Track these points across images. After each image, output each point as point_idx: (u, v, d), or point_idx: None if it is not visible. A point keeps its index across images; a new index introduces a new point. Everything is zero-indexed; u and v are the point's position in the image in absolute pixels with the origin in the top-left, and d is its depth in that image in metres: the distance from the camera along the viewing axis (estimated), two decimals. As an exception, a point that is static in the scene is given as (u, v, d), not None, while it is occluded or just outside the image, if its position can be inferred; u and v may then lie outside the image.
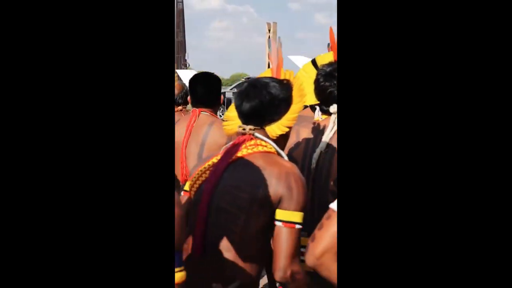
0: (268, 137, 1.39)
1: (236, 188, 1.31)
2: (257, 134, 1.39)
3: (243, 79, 16.73)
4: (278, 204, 1.28)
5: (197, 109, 2.35)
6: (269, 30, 8.95)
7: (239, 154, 1.37)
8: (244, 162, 1.35)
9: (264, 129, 1.39)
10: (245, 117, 1.41)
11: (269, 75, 1.54)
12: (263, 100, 1.36)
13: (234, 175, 1.33)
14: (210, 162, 1.43)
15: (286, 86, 1.40)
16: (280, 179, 1.28)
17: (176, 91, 2.86)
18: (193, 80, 2.40)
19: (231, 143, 1.43)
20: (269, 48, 1.54)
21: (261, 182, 1.29)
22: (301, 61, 6.75)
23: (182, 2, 8.05)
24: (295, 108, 1.38)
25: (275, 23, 8.30)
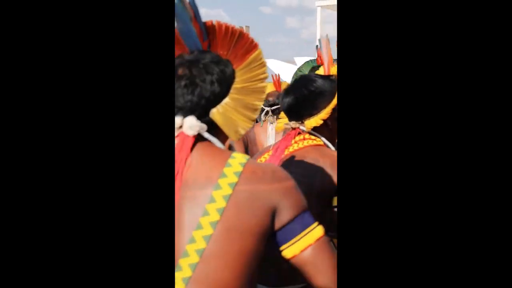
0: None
1: None
2: (302, 128, 1.41)
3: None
4: (334, 192, 1.33)
5: None
6: None
7: (290, 149, 1.40)
8: (297, 156, 1.38)
9: (304, 123, 1.41)
10: (286, 113, 1.45)
11: (322, 72, 1.61)
12: (298, 96, 1.39)
13: (289, 169, 1.32)
14: (262, 159, 1.45)
15: (330, 81, 1.42)
16: (334, 169, 1.30)
17: None
18: None
19: (280, 139, 1.47)
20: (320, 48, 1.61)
21: (317, 173, 1.33)
22: (274, 64, 8.00)
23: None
24: (335, 101, 1.40)
25: (247, 27, 9.37)
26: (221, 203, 0.80)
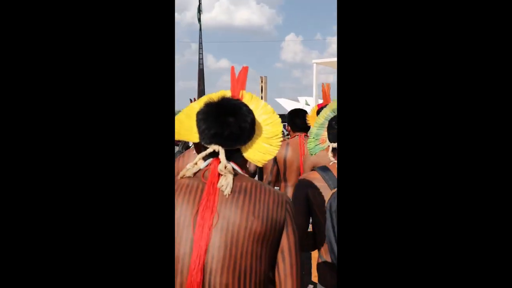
0: None
1: None
2: None
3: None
4: None
5: (301, 134, 2.96)
6: (262, 81, 11.43)
7: None
8: None
9: None
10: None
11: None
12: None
13: None
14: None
15: None
16: None
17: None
18: (293, 112, 3.03)
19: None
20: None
21: None
22: (283, 102, 14.49)
23: (203, 64, 11.02)
24: None
25: (265, 77, 11.19)
26: None
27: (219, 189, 1.05)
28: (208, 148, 1.11)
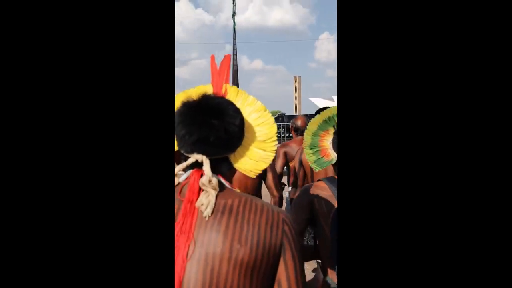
0: None
1: None
2: None
3: (277, 115, 20.29)
4: None
5: None
6: (295, 81, 11.43)
7: None
8: None
9: None
10: None
11: None
12: None
13: None
14: None
15: None
16: None
17: None
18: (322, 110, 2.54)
19: None
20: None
21: None
22: (318, 101, 14.31)
23: (237, 65, 11.17)
24: None
25: (299, 77, 11.14)
26: None
27: (198, 209, 0.86)
28: (189, 158, 0.92)
